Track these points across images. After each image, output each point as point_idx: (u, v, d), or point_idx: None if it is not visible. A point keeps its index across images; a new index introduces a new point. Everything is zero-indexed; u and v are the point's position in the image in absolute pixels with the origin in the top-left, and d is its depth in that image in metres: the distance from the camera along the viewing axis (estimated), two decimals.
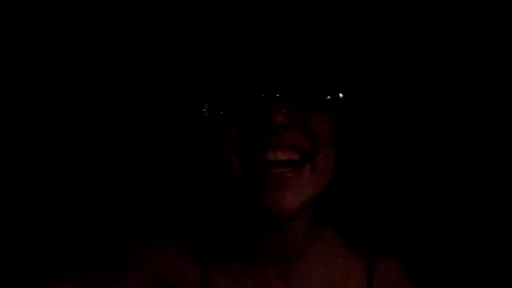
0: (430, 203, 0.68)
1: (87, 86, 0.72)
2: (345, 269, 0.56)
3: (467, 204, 0.68)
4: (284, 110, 0.47)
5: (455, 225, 0.66)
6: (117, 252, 0.56)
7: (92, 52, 0.72)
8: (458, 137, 0.69)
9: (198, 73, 0.53)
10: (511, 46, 0.68)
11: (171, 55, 0.63)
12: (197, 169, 0.57)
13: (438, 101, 0.69)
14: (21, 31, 0.72)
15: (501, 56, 0.68)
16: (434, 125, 0.70)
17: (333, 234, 0.58)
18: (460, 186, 0.68)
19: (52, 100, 0.72)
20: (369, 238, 0.58)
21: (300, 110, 0.48)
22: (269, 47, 0.49)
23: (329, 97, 0.49)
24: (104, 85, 0.72)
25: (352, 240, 0.58)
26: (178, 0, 0.62)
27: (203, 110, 0.50)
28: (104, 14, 0.70)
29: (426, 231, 0.61)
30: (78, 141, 0.72)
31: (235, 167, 0.49)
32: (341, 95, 0.50)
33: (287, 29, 0.51)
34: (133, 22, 0.70)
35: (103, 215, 0.70)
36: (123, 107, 0.72)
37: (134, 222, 0.67)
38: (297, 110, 0.48)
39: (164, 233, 0.60)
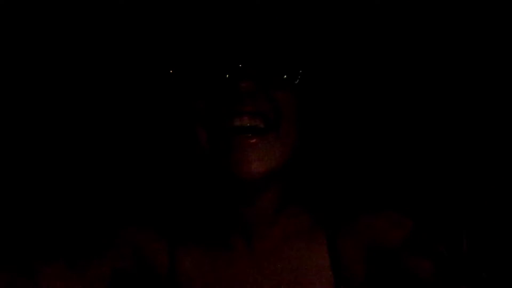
0: (393, 179, 0.71)
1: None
2: (308, 248, 0.56)
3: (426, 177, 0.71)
4: (249, 78, 0.49)
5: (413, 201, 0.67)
6: (102, 235, 0.57)
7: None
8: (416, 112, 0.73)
9: (167, 43, 0.54)
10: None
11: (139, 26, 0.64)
12: (166, 143, 0.58)
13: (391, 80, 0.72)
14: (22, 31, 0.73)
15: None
16: (392, 101, 0.73)
17: (300, 212, 0.58)
18: (419, 160, 0.72)
19: None
20: (331, 214, 0.58)
21: (264, 81, 0.50)
22: (235, 19, 0.51)
23: (289, 71, 0.52)
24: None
25: (318, 218, 0.59)
26: None
27: (171, 79, 0.52)
28: None
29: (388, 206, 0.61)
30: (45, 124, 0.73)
31: (203, 135, 0.50)
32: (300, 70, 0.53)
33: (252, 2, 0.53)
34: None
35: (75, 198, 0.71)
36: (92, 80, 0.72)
37: (108, 204, 0.68)
38: (261, 80, 0.50)
39: (137, 213, 0.61)
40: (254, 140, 0.49)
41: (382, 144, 0.73)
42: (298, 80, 0.52)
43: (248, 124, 0.49)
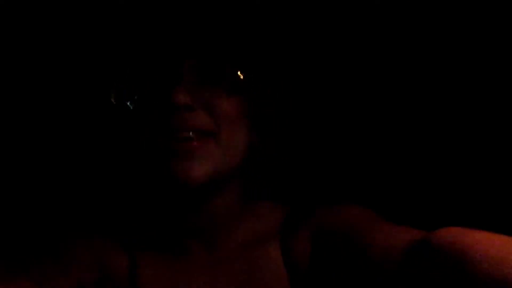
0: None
1: None
2: (265, 248, 0.57)
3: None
4: (185, 90, 0.49)
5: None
6: (59, 244, 0.56)
7: None
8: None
9: (104, 57, 0.54)
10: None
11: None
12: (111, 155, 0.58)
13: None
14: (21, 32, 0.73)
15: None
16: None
17: (261, 211, 0.59)
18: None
19: None
20: (290, 212, 0.59)
21: (204, 91, 0.50)
22: (172, 25, 0.51)
23: (231, 75, 0.52)
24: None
25: (278, 216, 0.60)
26: None
27: (111, 95, 0.52)
28: None
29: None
30: None
31: (143, 143, 0.51)
32: (241, 75, 0.52)
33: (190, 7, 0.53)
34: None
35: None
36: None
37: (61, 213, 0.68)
38: (200, 90, 0.50)
39: (92, 224, 0.60)
40: (194, 144, 0.49)
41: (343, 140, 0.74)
42: (237, 85, 0.52)
43: (186, 136, 0.49)
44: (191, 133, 0.49)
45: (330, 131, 0.74)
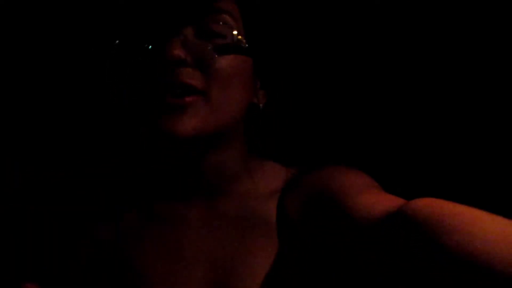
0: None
1: None
2: (263, 204, 0.58)
3: None
4: (180, 45, 0.49)
5: None
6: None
7: None
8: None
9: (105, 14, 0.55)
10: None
11: None
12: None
13: None
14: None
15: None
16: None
17: (272, 171, 0.61)
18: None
19: None
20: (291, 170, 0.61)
21: (198, 48, 0.51)
22: None
23: (226, 34, 0.52)
24: None
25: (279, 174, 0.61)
26: None
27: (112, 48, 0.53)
28: None
29: None
30: None
31: (135, 97, 0.52)
32: (240, 37, 0.53)
33: None
34: None
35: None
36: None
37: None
38: (194, 47, 0.51)
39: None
40: (183, 100, 0.50)
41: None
42: (232, 45, 0.52)
43: (176, 91, 0.50)
44: (181, 89, 0.50)
45: (333, 94, 0.75)
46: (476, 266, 0.33)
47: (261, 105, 0.57)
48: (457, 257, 0.34)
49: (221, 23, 0.52)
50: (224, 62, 0.51)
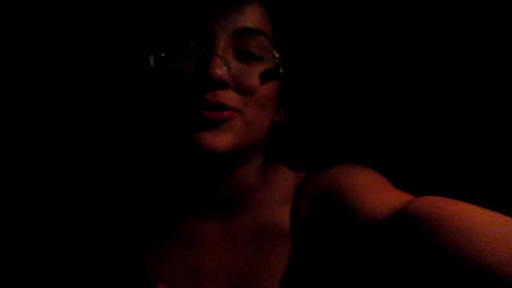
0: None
1: None
2: (279, 210, 0.59)
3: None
4: (222, 65, 0.50)
5: None
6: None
7: None
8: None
9: (148, 21, 0.55)
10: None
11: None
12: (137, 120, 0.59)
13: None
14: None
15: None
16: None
17: (285, 176, 0.61)
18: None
19: None
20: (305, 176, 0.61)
21: (238, 69, 0.52)
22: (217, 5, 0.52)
23: (268, 58, 0.53)
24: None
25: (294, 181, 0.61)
26: None
27: (150, 58, 0.52)
28: None
29: None
30: None
31: (176, 112, 0.51)
32: (277, 54, 0.54)
33: None
34: None
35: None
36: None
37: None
38: (235, 68, 0.51)
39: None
40: (220, 115, 0.50)
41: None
42: (276, 68, 0.53)
43: (216, 111, 0.50)
44: (220, 108, 0.50)
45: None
46: (476, 266, 0.33)
47: (284, 122, 0.59)
48: (457, 256, 0.34)
49: (259, 45, 0.53)
50: (262, 84, 0.53)
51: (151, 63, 0.52)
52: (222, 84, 0.50)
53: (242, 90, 0.52)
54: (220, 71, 0.49)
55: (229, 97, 0.51)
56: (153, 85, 0.53)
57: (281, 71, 0.53)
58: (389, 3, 0.72)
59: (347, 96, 0.75)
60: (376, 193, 0.50)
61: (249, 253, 0.57)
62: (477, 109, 0.72)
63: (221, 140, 0.50)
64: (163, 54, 0.51)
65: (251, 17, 0.53)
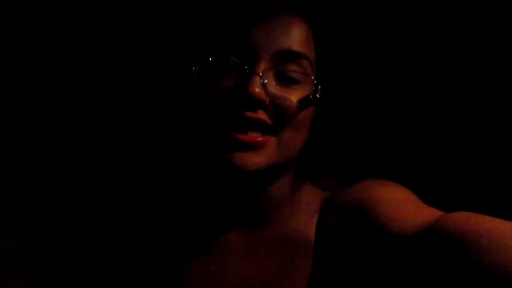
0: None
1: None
2: (305, 225, 0.59)
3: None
4: (261, 85, 0.49)
5: None
6: None
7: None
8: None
9: (193, 36, 0.54)
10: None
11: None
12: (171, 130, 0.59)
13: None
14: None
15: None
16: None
17: (312, 192, 0.61)
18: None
19: None
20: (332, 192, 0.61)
21: (276, 91, 0.51)
22: (263, 24, 0.51)
23: (307, 82, 0.53)
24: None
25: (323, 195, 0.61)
26: None
27: (192, 71, 0.52)
28: None
29: None
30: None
31: (212, 130, 0.51)
32: (316, 84, 0.53)
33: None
34: None
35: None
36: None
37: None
38: (273, 89, 0.51)
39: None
40: (257, 139, 0.50)
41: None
42: (315, 93, 0.53)
43: (252, 130, 0.50)
44: (256, 128, 0.50)
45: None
46: None
47: (317, 141, 0.58)
48: (492, 273, 0.34)
49: (300, 69, 0.52)
50: (299, 107, 0.52)
51: (193, 75, 0.51)
52: (260, 103, 0.50)
53: (279, 112, 0.51)
54: (259, 90, 0.49)
55: (266, 116, 0.51)
56: (192, 96, 0.53)
57: (318, 96, 0.53)
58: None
59: (376, 115, 0.75)
60: (405, 208, 0.49)
61: (273, 265, 0.57)
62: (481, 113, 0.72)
63: (254, 160, 0.50)
64: (203, 67, 0.51)
65: (296, 39, 0.51)
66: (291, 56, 0.51)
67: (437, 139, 0.75)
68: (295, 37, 0.51)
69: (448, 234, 0.39)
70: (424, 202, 0.52)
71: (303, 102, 0.52)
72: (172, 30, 0.59)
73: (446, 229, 0.40)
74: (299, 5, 0.53)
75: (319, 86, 0.53)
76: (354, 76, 0.63)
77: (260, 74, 0.49)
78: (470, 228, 0.38)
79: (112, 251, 0.60)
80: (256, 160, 0.50)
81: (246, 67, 0.50)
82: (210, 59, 0.51)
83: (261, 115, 0.50)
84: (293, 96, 0.52)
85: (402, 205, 0.50)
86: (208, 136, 0.51)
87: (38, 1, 0.73)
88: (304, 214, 0.59)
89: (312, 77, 0.52)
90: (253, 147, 0.50)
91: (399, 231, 0.46)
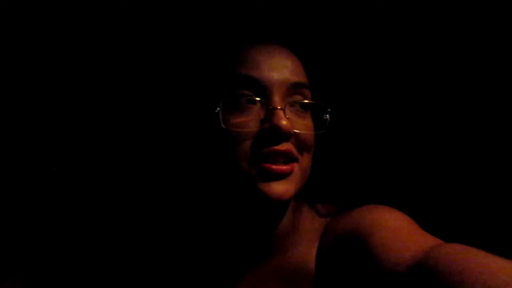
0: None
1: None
2: (306, 248, 0.60)
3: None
4: (287, 117, 0.53)
5: None
6: None
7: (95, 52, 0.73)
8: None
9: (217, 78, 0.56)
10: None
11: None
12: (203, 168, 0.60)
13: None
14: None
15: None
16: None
17: (311, 215, 0.62)
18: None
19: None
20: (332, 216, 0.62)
21: (295, 122, 0.55)
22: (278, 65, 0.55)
23: (325, 115, 0.57)
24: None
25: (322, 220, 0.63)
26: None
27: (216, 112, 0.54)
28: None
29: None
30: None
31: (244, 164, 0.53)
32: (328, 115, 0.58)
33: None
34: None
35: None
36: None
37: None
38: (293, 121, 0.55)
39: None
40: (283, 168, 0.53)
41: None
42: (326, 123, 0.57)
43: (280, 163, 0.53)
44: (284, 158, 0.53)
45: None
46: None
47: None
48: None
49: (306, 98, 0.57)
50: (313, 135, 0.57)
51: (220, 119, 0.53)
52: (289, 135, 0.53)
53: (299, 140, 0.55)
54: (286, 122, 0.52)
55: (291, 146, 0.54)
56: (220, 142, 0.55)
57: (327, 119, 0.57)
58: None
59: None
60: (400, 237, 0.50)
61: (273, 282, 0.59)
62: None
63: (287, 189, 0.53)
64: (222, 111, 0.53)
65: (298, 72, 0.56)
66: (298, 87, 0.55)
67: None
68: (297, 70, 0.56)
69: (436, 269, 0.40)
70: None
71: (314, 128, 0.57)
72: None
73: (435, 264, 0.40)
74: (290, 44, 0.57)
75: (329, 109, 0.57)
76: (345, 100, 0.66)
77: (282, 107, 0.53)
78: (459, 262, 0.39)
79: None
80: (289, 188, 0.53)
81: (266, 103, 0.53)
82: (223, 101, 0.53)
83: (288, 146, 0.53)
84: (306, 123, 0.56)
85: (397, 234, 0.51)
86: (242, 173, 0.53)
87: (38, 1, 0.73)
88: (306, 242, 0.60)
89: (316, 103, 0.57)
90: (285, 176, 0.53)
91: (392, 265, 0.47)
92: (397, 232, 0.51)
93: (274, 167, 0.52)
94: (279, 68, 0.54)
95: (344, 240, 0.56)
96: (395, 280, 0.46)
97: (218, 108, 0.53)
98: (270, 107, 0.53)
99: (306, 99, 0.56)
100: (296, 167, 0.54)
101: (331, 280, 0.57)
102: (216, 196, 0.60)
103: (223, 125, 0.53)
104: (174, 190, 0.67)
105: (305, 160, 0.56)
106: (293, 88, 0.55)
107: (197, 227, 0.63)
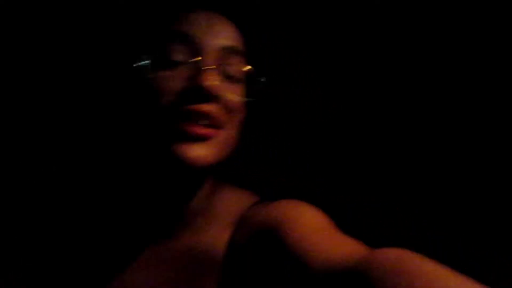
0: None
1: None
2: (218, 233, 0.58)
3: None
4: (216, 80, 0.51)
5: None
6: None
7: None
8: None
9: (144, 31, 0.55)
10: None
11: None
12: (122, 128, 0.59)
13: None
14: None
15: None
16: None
17: (233, 198, 0.60)
18: None
19: None
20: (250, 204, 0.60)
21: (224, 86, 0.53)
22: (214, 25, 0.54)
23: (252, 80, 0.56)
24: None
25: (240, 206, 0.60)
26: None
27: (144, 64, 0.53)
28: None
29: None
30: None
31: (161, 121, 0.52)
32: (261, 81, 0.56)
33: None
34: None
35: None
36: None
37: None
38: (222, 84, 0.53)
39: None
40: (208, 131, 0.52)
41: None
42: (253, 90, 0.55)
43: (203, 123, 0.52)
44: (207, 121, 0.51)
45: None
46: None
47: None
48: None
49: (240, 65, 0.55)
50: (241, 103, 0.55)
51: (147, 71, 0.52)
52: (213, 96, 0.51)
53: (226, 107, 0.53)
54: (211, 83, 0.50)
55: (217, 109, 0.52)
56: (142, 93, 0.53)
57: (258, 91, 0.55)
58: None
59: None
60: (325, 238, 0.48)
61: (179, 278, 0.56)
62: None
63: (205, 154, 0.51)
64: (151, 63, 0.52)
65: (234, 37, 0.55)
66: (232, 52, 0.54)
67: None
68: (233, 35, 0.55)
69: (379, 274, 0.37)
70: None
71: (246, 97, 0.55)
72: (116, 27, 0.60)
73: (377, 268, 0.38)
74: (231, 15, 0.56)
75: (262, 80, 0.55)
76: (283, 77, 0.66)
77: (211, 68, 0.51)
78: (405, 269, 0.36)
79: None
80: (207, 153, 0.51)
81: (196, 62, 0.51)
82: (154, 55, 0.52)
83: (211, 108, 0.51)
84: (237, 92, 0.54)
85: (321, 234, 0.49)
86: (157, 130, 0.52)
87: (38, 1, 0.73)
88: (219, 226, 0.58)
89: (252, 73, 0.55)
90: (203, 138, 0.51)
91: (322, 264, 0.44)
92: (321, 232, 0.50)
93: (190, 127, 0.50)
94: (215, 32, 0.54)
95: (262, 233, 0.53)
96: (324, 281, 0.43)
97: (147, 61, 0.52)
98: (200, 67, 0.51)
99: (239, 67, 0.55)
100: (219, 134, 0.53)
101: (238, 273, 0.54)
102: (132, 158, 0.58)
103: (148, 76, 0.52)
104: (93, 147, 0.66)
105: (231, 129, 0.54)
106: (228, 53, 0.54)
107: (109, 192, 0.62)
